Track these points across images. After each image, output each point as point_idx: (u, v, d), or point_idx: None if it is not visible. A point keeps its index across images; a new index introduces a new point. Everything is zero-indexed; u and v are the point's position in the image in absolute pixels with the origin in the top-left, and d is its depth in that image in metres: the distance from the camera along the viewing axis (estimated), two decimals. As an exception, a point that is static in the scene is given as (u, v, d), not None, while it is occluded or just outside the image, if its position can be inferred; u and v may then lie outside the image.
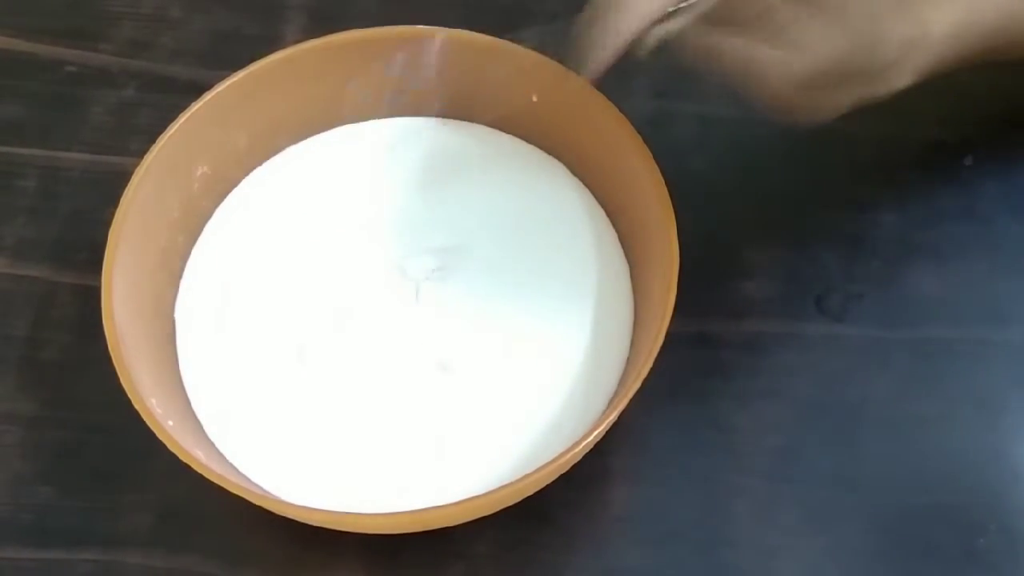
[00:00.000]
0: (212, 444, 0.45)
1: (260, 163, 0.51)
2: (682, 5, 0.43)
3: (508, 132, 0.52)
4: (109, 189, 0.47)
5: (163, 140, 0.47)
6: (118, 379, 0.42)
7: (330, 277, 0.48)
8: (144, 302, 0.46)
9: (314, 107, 0.51)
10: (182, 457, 0.41)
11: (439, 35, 0.49)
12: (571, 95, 0.48)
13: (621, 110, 0.47)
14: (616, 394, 0.45)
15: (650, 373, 0.42)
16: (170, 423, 0.42)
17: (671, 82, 0.56)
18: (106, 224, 0.45)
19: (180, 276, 0.49)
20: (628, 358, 0.46)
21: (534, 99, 0.50)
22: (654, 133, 0.47)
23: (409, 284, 0.48)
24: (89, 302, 0.44)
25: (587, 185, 0.50)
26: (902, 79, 0.44)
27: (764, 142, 0.55)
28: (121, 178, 0.46)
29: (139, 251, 0.46)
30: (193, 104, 0.48)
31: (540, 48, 0.49)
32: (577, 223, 0.49)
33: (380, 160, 0.51)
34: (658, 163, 0.46)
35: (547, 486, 0.44)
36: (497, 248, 0.49)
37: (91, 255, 0.46)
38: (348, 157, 0.51)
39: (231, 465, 0.45)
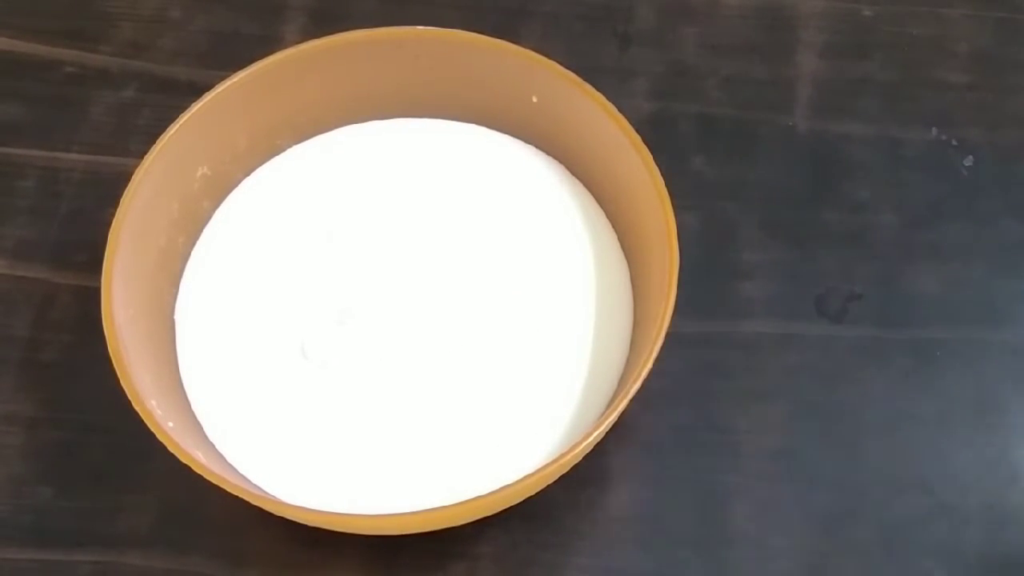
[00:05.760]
0: (212, 445, 0.45)
1: (260, 163, 0.51)
2: None
3: (508, 132, 0.52)
4: (109, 189, 0.47)
5: (163, 140, 0.47)
6: (118, 380, 0.42)
7: (330, 278, 0.48)
8: (144, 303, 0.46)
9: (314, 107, 0.51)
10: (182, 458, 0.41)
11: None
12: (571, 96, 0.48)
13: (621, 110, 0.47)
14: (616, 394, 0.45)
15: (650, 373, 0.42)
16: (170, 424, 0.42)
17: (671, 82, 0.56)
18: (106, 224, 0.45)
19: (180, 277, 0.49)
20: (628, 358, 0.46)
21: (534, 100, 0.50)
22: (654, 133, 0.47)
23: (408, 285, 0.48)
24: (89, 303, 0.44)
25: (587, 185, 0.50)
26: None
27: (764, 142, 0.55)
28: (121, 178, 0.46)
29: (139, 251, 0.46)
30: (193, 104, 0.48)
31: (540, 48, 0.49)
32: (577, 223, 0.49)
33: (380, 161, 0.51)
34: (658, 163, 0.46)
35: (547, 486, 0.44)
36: (496, 248, 0.49)
37: (91, 255, 0.46)
38: (348, 157, 0.51)
39: (231, 466, 0.45)
